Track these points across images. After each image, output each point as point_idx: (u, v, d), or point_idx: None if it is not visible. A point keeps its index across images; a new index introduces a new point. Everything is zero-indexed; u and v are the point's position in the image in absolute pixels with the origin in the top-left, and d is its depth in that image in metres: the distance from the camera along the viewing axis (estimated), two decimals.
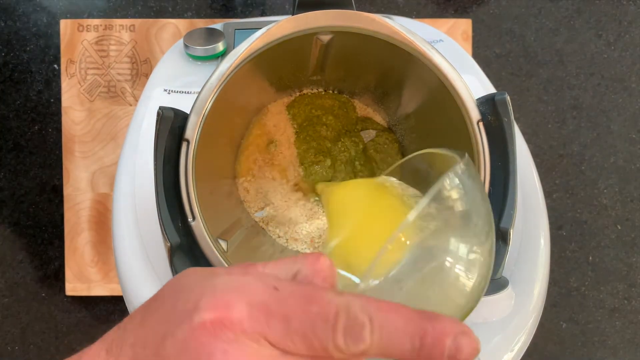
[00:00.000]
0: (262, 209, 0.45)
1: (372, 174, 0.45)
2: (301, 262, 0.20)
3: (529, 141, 0.42)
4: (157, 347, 0.18)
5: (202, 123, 0.34)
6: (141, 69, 0.58)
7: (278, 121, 0.46)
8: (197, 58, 0.45)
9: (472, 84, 0.37)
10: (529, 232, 0.40)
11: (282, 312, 0.17)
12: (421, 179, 0.34)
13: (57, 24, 0.59)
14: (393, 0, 0.61)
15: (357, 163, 0.45)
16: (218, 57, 0.45)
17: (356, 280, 0.27)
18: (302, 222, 0.45)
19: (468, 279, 0.23)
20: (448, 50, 0.41)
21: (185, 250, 0.33)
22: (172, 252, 0.32)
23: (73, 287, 0.58)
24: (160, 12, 0.60)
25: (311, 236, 0.45)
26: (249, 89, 0.40)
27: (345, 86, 0.46)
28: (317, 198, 0.45)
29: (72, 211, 0.58)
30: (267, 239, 0.44)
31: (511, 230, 0.33)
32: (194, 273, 0.20)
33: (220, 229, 0.37)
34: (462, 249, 0.23)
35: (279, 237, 0.45)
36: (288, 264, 0.21)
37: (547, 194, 0.42)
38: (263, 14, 0.61)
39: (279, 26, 0.35)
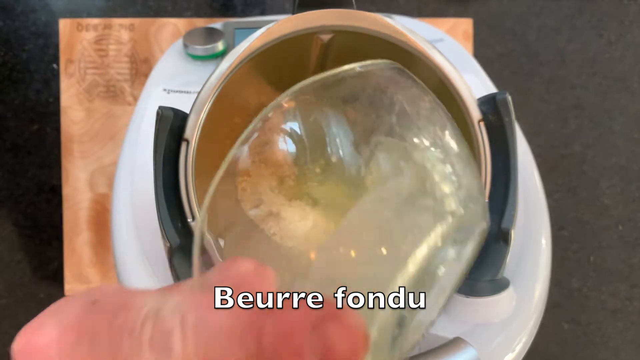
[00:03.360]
0: (258, 206, 0.45)
1: None
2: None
3: (530, 141, 0.42)
4: None
5: (201, 123, 0.34)
6: (140, 68, 0.58)
7: None
8: (196, 57, 0.45)
9: (473, 83, 0.37)
10: (530, 232, 0.39)
11: (90, 330, 0.14)
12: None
13: (56, 23, 0.59)
14: None
15: None
16: (218, 56, 0.45)
17: None
18: (296, 221, 0.45)
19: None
20: (449, 50, 0.41)
21: (185, 251, 0.33)
22: (172, 253, 0.32)
23: (72, 287, 0.57)
24: (160, 12, 0.60)
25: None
26: (249, 88, 0.40)
27: None
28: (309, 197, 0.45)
29: (71, 211, 0.58)
30: (263, 236, 0.44)
31: (512, 231, 0.33)
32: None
33: (219, 228, 0.37)
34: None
35: (274, 234, 0.44)
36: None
37: (549, 194, 0.41)
38: (263, 13, 0.61)
39: (279, 25, 0.34)
